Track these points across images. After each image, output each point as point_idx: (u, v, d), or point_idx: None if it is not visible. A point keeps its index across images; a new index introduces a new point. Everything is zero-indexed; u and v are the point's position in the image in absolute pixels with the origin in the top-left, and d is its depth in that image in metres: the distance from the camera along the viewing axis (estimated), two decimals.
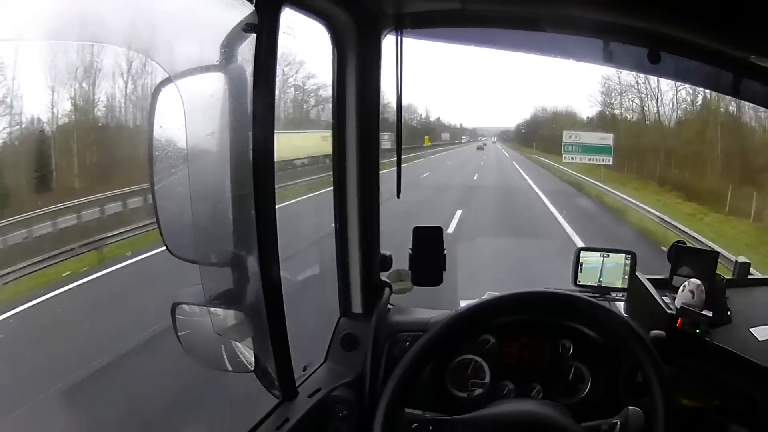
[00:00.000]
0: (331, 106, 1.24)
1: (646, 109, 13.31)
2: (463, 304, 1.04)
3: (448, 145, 21.29)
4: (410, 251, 1.31)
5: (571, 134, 10.09)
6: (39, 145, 6.18)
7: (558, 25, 1.21)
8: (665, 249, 1.48)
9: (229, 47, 0.96)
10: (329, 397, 1.15)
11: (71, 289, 4.62)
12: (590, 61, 1.39)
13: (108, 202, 6.05)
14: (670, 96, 12.45)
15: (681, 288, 1.32)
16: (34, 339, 3.66)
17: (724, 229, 8.33)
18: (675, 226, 7.45)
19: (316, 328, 1.41)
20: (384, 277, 1.37)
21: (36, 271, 4.53)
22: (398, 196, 1.27)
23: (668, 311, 1.30)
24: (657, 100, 12.77)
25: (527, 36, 1.29)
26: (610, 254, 1.53)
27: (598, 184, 11.28)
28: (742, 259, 1.50)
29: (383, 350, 1.27)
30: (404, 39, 1.20)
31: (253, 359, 1.05)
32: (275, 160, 0.99)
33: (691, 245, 1.49)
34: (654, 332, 1.25)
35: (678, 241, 1.46)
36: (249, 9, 0.92)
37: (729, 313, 1.34)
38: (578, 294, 1.26)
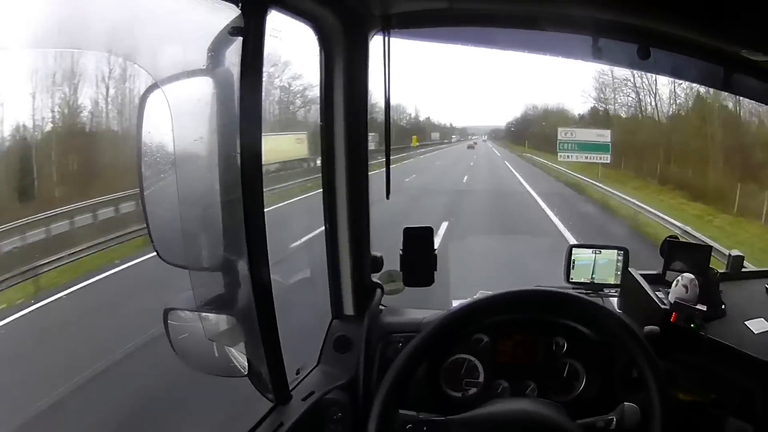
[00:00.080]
0: (319, 107, 1.24)
1: (642, 102, 12.77)
2: (456, 303, 1.04)
3: (438, 145, 21.20)
4: (401, 252, 1.31)
5: (566, 131, 9.69)
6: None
7: (546, 22, 1.21)
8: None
9: (215, 51, 0.96)
10: (323, 400, 1.15)
11: None
12: (579, 57, 1.38)
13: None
14: (668, 89, 11.94)
15: (674, 283, 1.32)
16: None
17: (736, 233, 7.67)
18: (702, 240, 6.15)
19: (308, 330, 1.41)
20: (375, 278, 1.37)
21: None
22: (387, 197, 1.27)
23: (662, 306, 1.30)
24: (654, 93, 12.21)
25: (515, 34, 1.29)
26: (602, 251, 1.53)
27: (597, 184, 10.53)
28: (735, 252, 1.50)
29: (376, 352, 1.27)
30: (392, 39, 1.19)
31: (246, 364, 1.05)
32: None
33: (683, 240, 1.49)
34: (648, 328, 1.25)
35: (670, 236, 1.46)
36: (235, 12, 0.92)
37: (723, 306, 1.34)
38: (571, 291, 1.26)
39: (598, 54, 1.23)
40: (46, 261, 4.93)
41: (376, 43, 1.21)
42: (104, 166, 6.80)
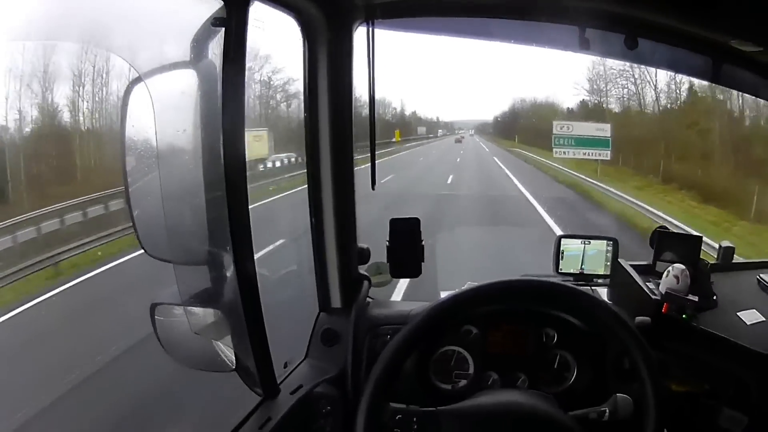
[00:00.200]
0: (303, 100, 1.23)
1: (641, 93, 11.95)
2: (443, 295, 1.03)
3: (422, 140, 20.94)
4: (387, 243, 1.30)
5: (562, 125, 8.74)
6: None
7: (533, 12, 1.20)
8: None
9: (198, 43, 0.95)
10: (312, 394, 1.14)
11: None
12: (567, 48, 1.37)
13: None
14: (669, 76, 11.12)
15: (665, 273, 1.32)
16: None
17: (755, 243, 6.57)
18: None
19: (296, 324, 1.40)
20: (362, 270, 1.36)
21: None
22: (373, 188, 1.26)
23: (653, 297, 1.29)
24: (654, 84, 11.33)
25: (502, 24, 1.28)
26: (592, 241, 1.52)
27: (598, 183, 9.44)
28: (726, 243, 1.50)
29: (364, 344, 1.26)
30: (377, 31, 1.19)
31: (234, 358, 1.04)
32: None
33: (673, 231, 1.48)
34: (639, 318, 1.25)
35: (660, 227, 1.46)
36: (218, 3, 0.91)
37: (715, 297, 1.34)
38: (561, 281, 1.26)
39: (585, 44, 1.23)
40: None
41: (360, 34, 1.20)
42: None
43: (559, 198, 9.05)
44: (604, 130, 8.66)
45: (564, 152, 8.64)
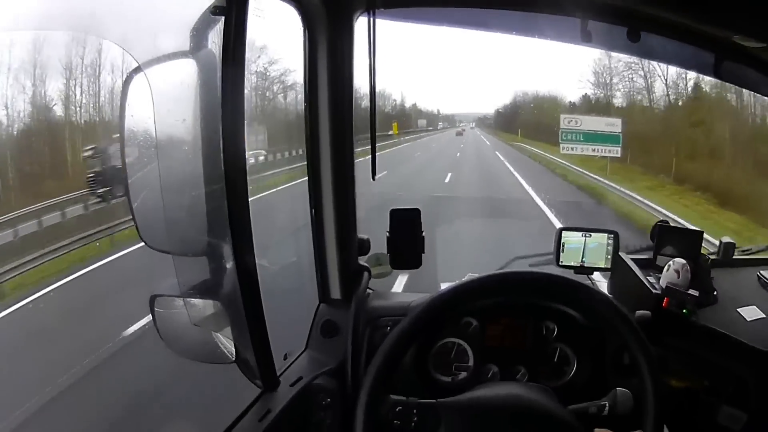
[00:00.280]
0: (303, 90, 1.23)
1: (650, 88, 11.03)
2: (444, 286, 1.03)
3: (422, 132, 20.68)
4: (387, 234, 1.30)
5: (569, 119, 7.93)
6: None
7: (534, 3, 1.19)
8: None
9: (197, 32, 0.94)
10: (311, 386, 1.14)
11: None
12: (568, 41, 1.36)
13: None
14: (678, 70, 10.37)
15: (666, 267, 1.32)
16: None
17: None
18: None
19: (296, 315, 1.40)
20: (362, 261, 1.36)
21: None
22: (373, 178, 1.25)
23: (653, 291, 1.29)
24: (665, 77, 10.47)
25: (504, 15, 1.27)
26: (592, 234, 1.51)
27: (611, 184, 8.70)
28: (726, 239, 1.50)
29: (364, 336, 1.26)
30: (378, 21, 1.17)
31: (234, 350, 1.04)
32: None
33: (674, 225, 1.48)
34: (639, 312, 1.25)
35: (661, 221, 1.45)
36: None
37: (715, 293, 1.34)
38: (561, 274, 1.25)
39: (587, 37, 1.22)
40: None
41: (361, 25, 1.19)
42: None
43: (571, 202, 8.29)
44: (614, 125, 7.93)
45: (572, 148, 7.93)
